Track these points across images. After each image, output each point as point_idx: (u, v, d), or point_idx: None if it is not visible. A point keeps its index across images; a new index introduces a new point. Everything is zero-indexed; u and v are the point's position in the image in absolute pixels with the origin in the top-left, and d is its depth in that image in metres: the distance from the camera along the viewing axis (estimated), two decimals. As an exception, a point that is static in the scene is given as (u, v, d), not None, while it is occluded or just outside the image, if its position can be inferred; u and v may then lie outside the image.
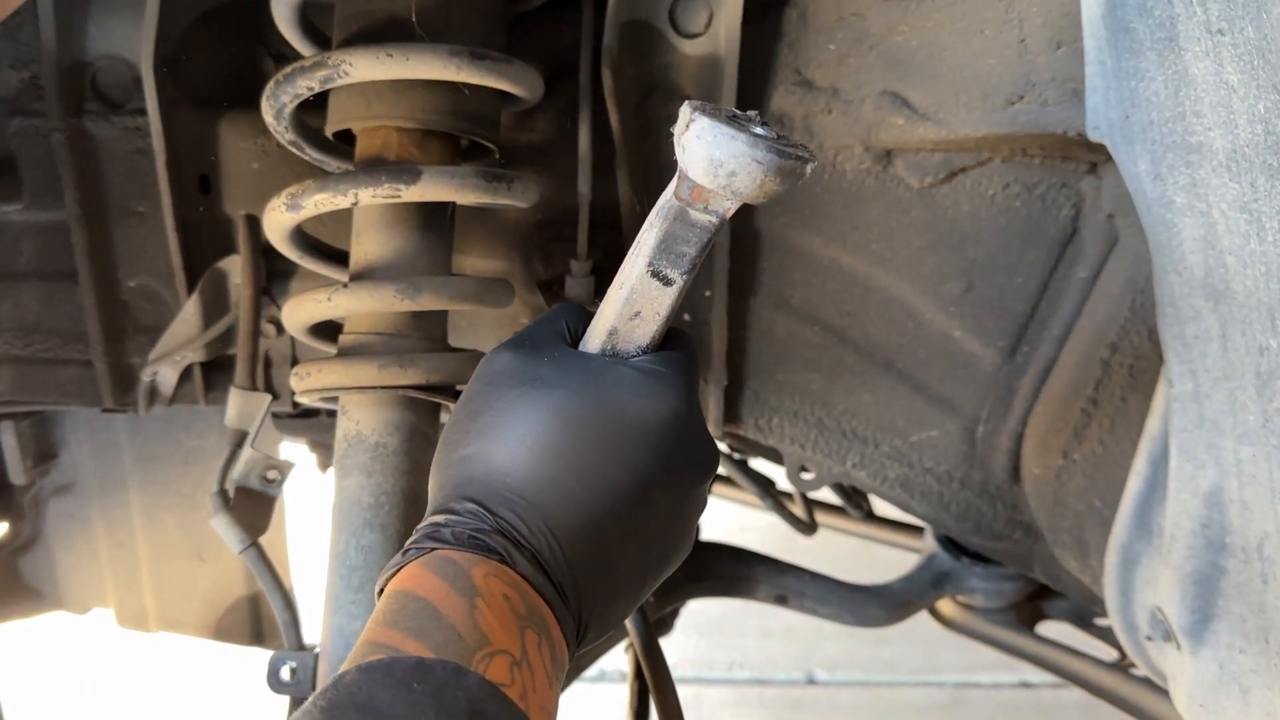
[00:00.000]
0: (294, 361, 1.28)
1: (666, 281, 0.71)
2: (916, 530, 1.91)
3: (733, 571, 1.43)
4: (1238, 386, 0.83)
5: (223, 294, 1.20)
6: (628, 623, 1.06)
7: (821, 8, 1.10)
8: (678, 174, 0.69)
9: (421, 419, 1.03)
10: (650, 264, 0.70)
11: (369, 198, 0.96)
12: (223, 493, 1.10)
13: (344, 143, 1.09)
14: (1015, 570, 1.47)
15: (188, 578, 1.64)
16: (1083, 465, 1.13)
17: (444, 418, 1.07)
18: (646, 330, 0.73)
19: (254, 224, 1.17)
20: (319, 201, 0.97)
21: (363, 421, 1.01)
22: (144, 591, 1.66)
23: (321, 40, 1.06)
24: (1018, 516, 1.25)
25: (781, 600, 1.42)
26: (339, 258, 1.13)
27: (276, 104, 0.99)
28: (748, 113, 0.69)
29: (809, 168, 0.66)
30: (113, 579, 1.67)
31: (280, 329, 1.25)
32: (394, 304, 0.99)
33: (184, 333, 1.18)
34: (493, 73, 0.98)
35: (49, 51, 1.12)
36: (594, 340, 0.75)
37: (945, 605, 1.51)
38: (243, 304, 1.17)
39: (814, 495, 1.81)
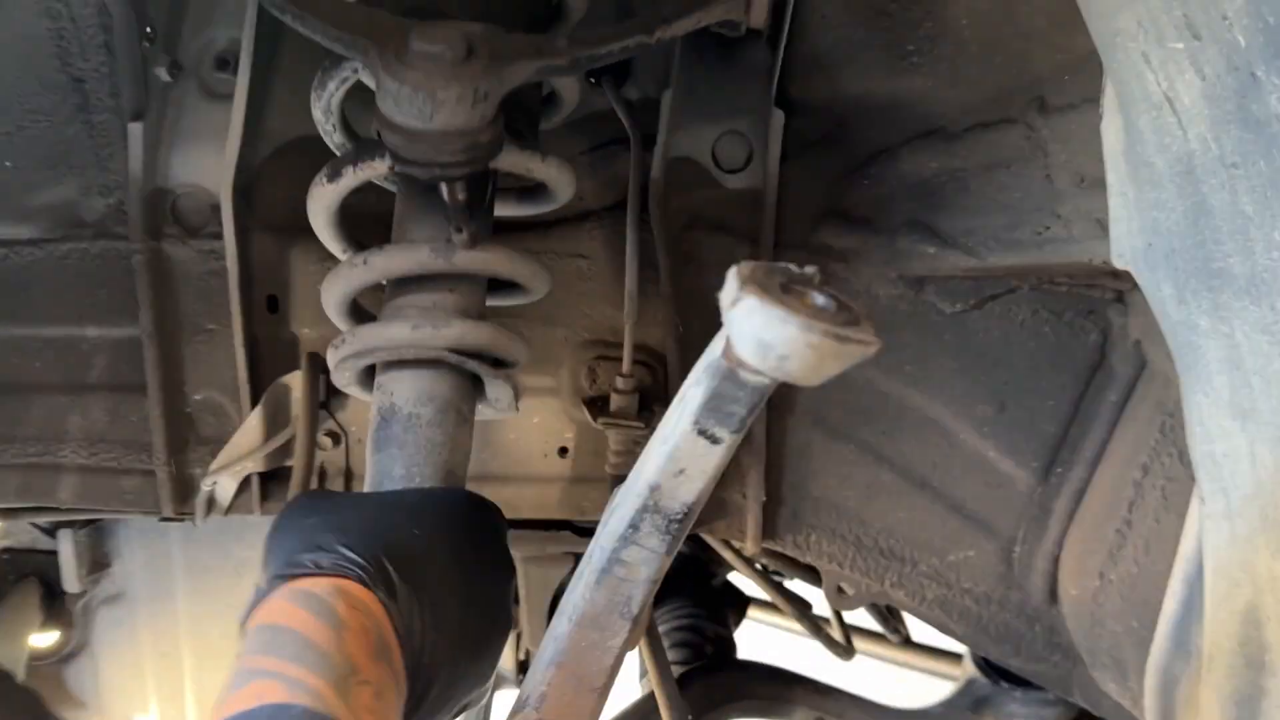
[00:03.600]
0: (348, 473, 1.32)
1: (714, 440, 0.66)
2: (953, 657, 1.90)
3: (771, 692, 1.42)
4: (1269, 504, 0.85)
5: (284, 408, 1.25)
6: None
7: (856, 146, 1.17)
8: (726, 338, 0.62)
9: (456, 394, 1.00)
10: (697, 422, 0.65)
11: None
12: None
13: None
14: (1055, 694, 1.46)
15: (230, 689, 1.65)
16: (1119, 586, 1.14)
17: (479, 410, 1.05)
18: (693, 488, 0.69)
19: (316, 360, 1.24)
20: (359, 168, 0.97)
21: (396, 393, 0.98)
22: (186, 702, 1.68)
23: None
24: (1056, 638, 1.26)
25: (820, 723, 1.41)
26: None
27: (324, 94, 1.01)
28: (805, 270, 0.61)
29: (871, 350, 0.58)
30: (155, 688, 1.68)
31: (336, 440, 1.29)
32: (428, 264, 0.97)
33: (245, 444, 1.23)
34: None
35: (135, 180, 1.20)
36: (633, 495, 0.71)
37: (984, 731, 1.49)
38: (300, 418, 1.22)
39: (850, 620, 1.81)
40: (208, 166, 1.23)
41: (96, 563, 1.59)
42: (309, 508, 0.87)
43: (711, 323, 1.29)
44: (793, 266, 0.61)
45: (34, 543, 1.62)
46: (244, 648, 0.72)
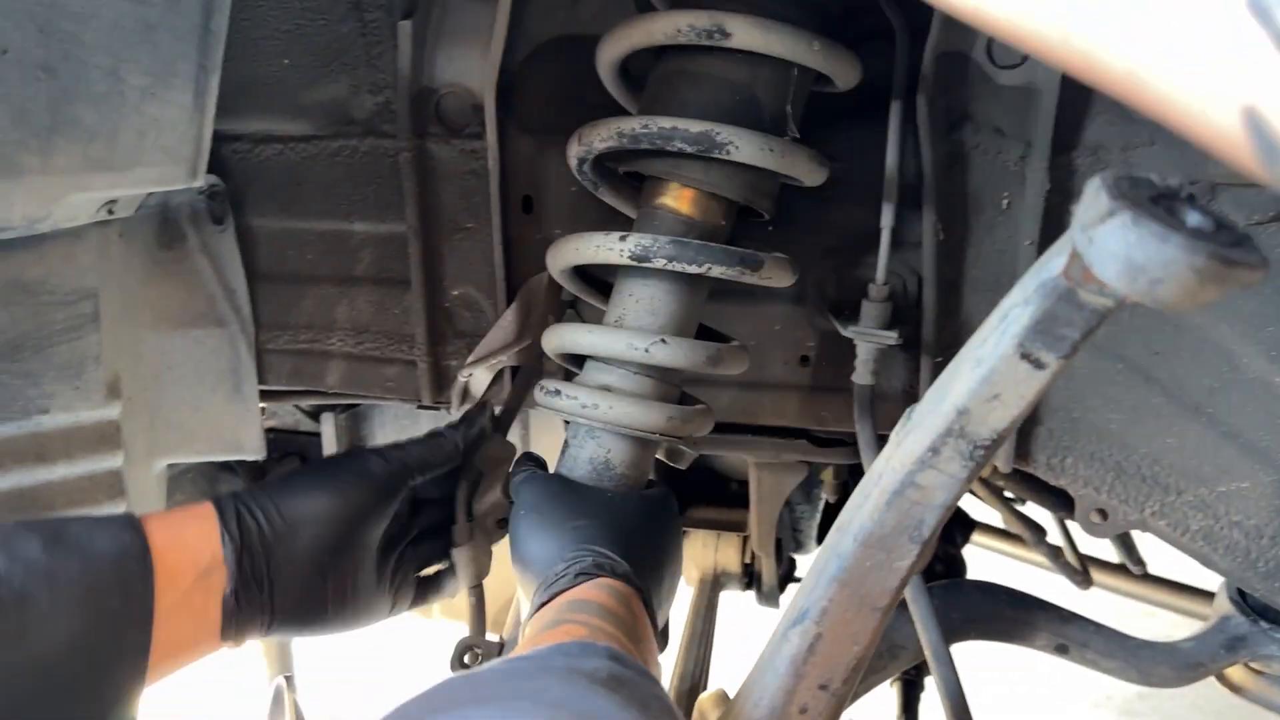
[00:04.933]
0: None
1: (1039, 365, 0.61)
2: (1194, 592, 1.80)
3: (1012, 615, 1.38)
4: None
5: (537, 306, 1.29)
6: (931, 664, 1.13)
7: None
8: (1070, 253, 0.57)
9: (651, 457, 1.16)
10: (1021, 344, 0.60)
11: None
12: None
13: (628, 178, 1.18)
14: (1325, 640, 1.36)
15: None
16: None
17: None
18: (1006, 415, 0.65)
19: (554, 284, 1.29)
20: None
21: (614, 452, 1.10)
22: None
23: (636, 86, 1.14)
24: (1334, 581, 1.17)
25: (1062, 650, 1.36)
26: (600, 288, 1.23)
27: (607, 135, 1.06)
28: (1171, 184, 0.53)
29: (1259, 277, 0.49)
30: (406, 569, 1.79)
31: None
32: (641, 359, 1.07)
33: (499, 339, 1.27)
34: (791, 163, 1.06)
35: (403, 79, 1.24)
36: (937, 417, 0.68)
37: (1236, 671, 1.40)
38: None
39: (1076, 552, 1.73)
40: (470, 66, 1.25)
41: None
42: (568, 506, 1.04)
43: (974, 230, 1.23)
44: (1154, 178, 0.53)
45: (296, 424, 1.73)
46: (552, 611, 0.87)
